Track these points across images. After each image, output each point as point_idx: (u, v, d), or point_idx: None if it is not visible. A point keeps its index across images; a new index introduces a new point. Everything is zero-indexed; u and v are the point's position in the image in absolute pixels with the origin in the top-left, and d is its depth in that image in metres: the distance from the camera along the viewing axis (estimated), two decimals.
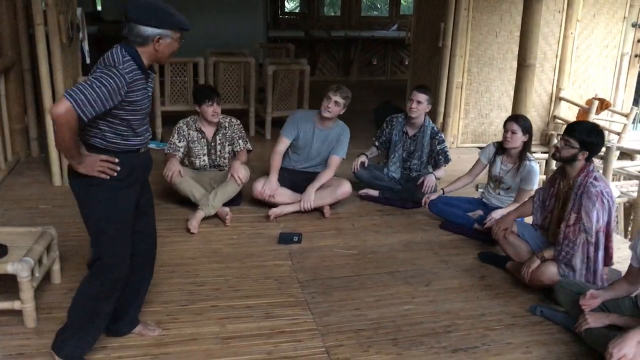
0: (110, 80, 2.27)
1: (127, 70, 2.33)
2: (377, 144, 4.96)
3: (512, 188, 4.16)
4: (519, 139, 4.03)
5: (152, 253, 2.83)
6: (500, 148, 4.20)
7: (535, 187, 4.06)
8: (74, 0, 5.04)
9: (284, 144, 4.53)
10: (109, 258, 2.54)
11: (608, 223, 3.19)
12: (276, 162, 4.49)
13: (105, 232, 2.50)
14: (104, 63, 2.35)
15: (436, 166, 4.79)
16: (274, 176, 4.43)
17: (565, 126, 6.41)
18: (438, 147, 4.74)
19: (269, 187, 4.38)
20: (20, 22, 5.09)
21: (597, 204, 3.12)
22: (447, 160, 4.79)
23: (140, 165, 2.58)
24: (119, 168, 2.44)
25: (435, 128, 4.81)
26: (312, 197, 4.36)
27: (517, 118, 4.10)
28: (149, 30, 2.36)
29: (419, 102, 4.62)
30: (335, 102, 4.39)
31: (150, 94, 2.52)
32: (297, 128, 4.53)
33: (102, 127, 2.40)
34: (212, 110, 4.34)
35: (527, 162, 4.05)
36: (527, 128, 4.05)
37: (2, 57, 4.91)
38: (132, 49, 2.38)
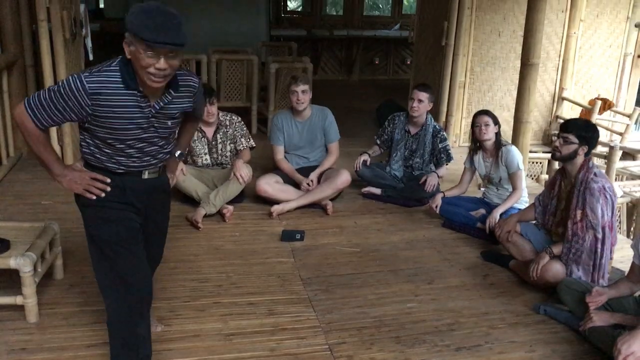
0: (67, 87, 2.02)
1: (94, 78, 2.03)
2: (378, 142, 4.97)
3: (503, 178, 4.18)
4: (492, 130, 4.13)
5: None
6: (475, 149, 4.27)
7: (522, 166, 4.11)
8: None
9: (280, 151, 4.63)
10: (123, 284, 2.29)
11: (611, 217, 3.22)
12: (287, 166, 4.60)
13: (102, 256, 2.29)
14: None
15: (438, 164, 4.79)
16: (297, 175, 4.53)
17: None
18: (440, 146, 4.74)
19: (304, 183, 4.48)
20: (23, 18, 5.08)
21: (601, 200, 3.14)
22: (449, 158, 4.79)
23: (140, 188, 2.30)
24: (109, 189, 2.22)
25: (437, 126, 4.82)
26: (315, 177, 4.49)
27: (487, 111, 4.23)
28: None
29: (420, 100, 4.63)
30: (302, 91, 4.47)
31: (143, 117, 2.14)
32: (282, 130, 4.60)
33: (89, 141, 2.20)
34: (206, 111, 4.29)
35: (503, 147, 4.11)
36: (496, 119, 4.18)
37: (5, 53, 4.91)
38: (126, 60, 2.07)
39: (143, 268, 2.37)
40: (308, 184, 4.49)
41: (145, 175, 2.32)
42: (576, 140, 3.23)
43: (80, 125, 2.17)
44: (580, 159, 3.27)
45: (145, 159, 2.27)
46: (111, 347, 2.43)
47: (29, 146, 2.16)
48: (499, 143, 4.16)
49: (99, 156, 2.21)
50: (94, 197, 2.22)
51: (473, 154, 4.32)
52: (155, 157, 2.31)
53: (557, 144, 3.30)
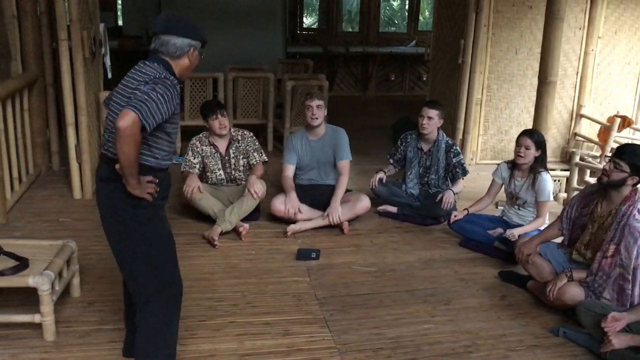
0: (167, 90, 2.30)
1: (175, 81, 2.38)
2: (391, 161, 4.95)
3: (529, 202, 4.13)
4: (531, 154, 4.01)
5: None
6: (513, 164, 4.17)
7: (551, 197, 4.05)
8: (97, 16, 5.13)
9: (289, 169, 4.58)
10: (170, 279, 2.53)
11: None
12: (289, 183, 4.51)
13: (162, 254, 2.49)
14: (150, 78, 2.33)
15: (454, 179, 4.76)
16: (292, 194, 4.42)
17: (586, 144, 6.45)
18: (454, 160, 4.71)
19: (291, 204, 4.38)
20: (44, 37, 5.17)
21: (639, 241, 3.02)
22: (464, 172, 4.76)
23: (170, 180, 2.58)
24: (158, 188, 2.43)
25: (449, 141, 4.79)
26: (338, 209, 4.36)
27: (531, 133, 4.08)
28: (186, 42, 2.41)
29: (429, 117, 4.62)
30: (317, 106, 4.44)
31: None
32: (295, 150, 4.58)
33: (150, 144, 2.39)
34: (218, 123, 4.36)
35: (538, 174, 4.02)
36: (540, 143, 4.03)
37: (26, 72, 4.98)
38: (166, 62, 2.41)
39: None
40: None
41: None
42: (627, 169, 3.07)
43: (153, 128, 2.31)
44: (627, 189, 3.13)
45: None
46: (146, 350, 2.50)
47: (126, 157, 2.24)
48: (535, 168, 4.02)
49: (157, 156, 2.43)
50: (151, 199, 2.40)
51: (510, 169, 4.20)
52: None
53: (606, 167, 3.14)
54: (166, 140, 2.44)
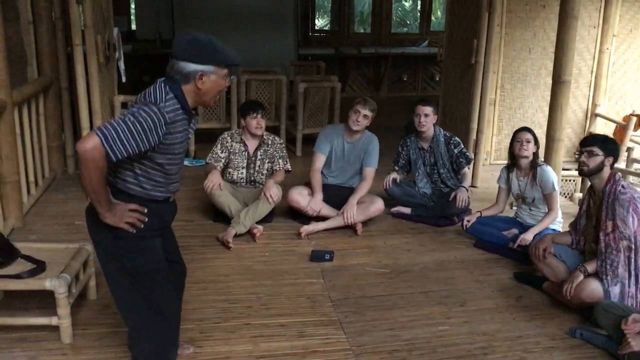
0: (148, 118, 2.04)
1: (168, 108, 2.11)
2: (397, 168, 4.95)
3: (537, 198, 4.13)
4: (532, 147, 4.11)
5: (181, 292, 2.69)
6: (511, 166, 4.25)
7: (557, 187, 4.09)
8: (110, 21, 5.17)
9: (320, 160, 4.57)
10: (156, 315, 2.32)
11: None
12: (318, 180, 4.51)
13: (144, 291, 2.28)
14: (143, 98, 2.15)
15: (459, 169, 4.77)
16: (319, 195, 4.43)
17: None
18: (455, 151, 4.73)
19: (315, 205, 4.40)
20: (59, 42, 5.22)
21: (631, 209, 3.13)
22: (468, 160, 4.79)
23: (170, 213, 2.42)
24: (146, 219, 2.21)
25: (447, 134, 4.81)
26: (354, 208, 4.37)
27: (527, 128, 4.20)
28: (190, 67, 2.15)
29: (425, 115, 4.65)
30: (364, 115, 4.45)
31: (190, 136, 2.32)
32: (330, 142, 4.57)
33: (137, 172, 2.19)
34: (255, 122, 4.41)
35: (538, 167, 4.09)
36: (536, 137, 4.15)
37: (41, 77, 5.03)
38: (176, 86, 2.16)
39: (176, 296, 2.45)
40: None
41: (171, 199, 2.41)
42: (601, 152, 3.26)
43: (135, 156, 2.12)
44: (606, 171, 3.29)
45: (178, 180, 2.37)
46: None
47: (87, 182, 2.06)
48: (535, 163, 4.12)
49: (146, 185, 2.22)
50: (134, 230, 2.20)
51: (508, 172, 4.28)
52: (180, 177, 2.41)
53: (583, 158, 3.32)
54: (159, 172, 2.22)
